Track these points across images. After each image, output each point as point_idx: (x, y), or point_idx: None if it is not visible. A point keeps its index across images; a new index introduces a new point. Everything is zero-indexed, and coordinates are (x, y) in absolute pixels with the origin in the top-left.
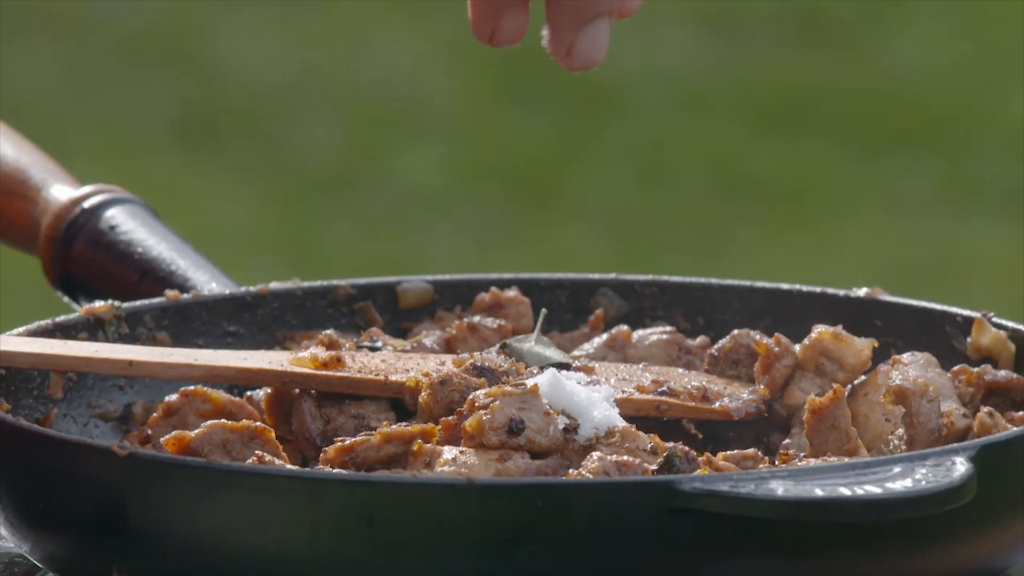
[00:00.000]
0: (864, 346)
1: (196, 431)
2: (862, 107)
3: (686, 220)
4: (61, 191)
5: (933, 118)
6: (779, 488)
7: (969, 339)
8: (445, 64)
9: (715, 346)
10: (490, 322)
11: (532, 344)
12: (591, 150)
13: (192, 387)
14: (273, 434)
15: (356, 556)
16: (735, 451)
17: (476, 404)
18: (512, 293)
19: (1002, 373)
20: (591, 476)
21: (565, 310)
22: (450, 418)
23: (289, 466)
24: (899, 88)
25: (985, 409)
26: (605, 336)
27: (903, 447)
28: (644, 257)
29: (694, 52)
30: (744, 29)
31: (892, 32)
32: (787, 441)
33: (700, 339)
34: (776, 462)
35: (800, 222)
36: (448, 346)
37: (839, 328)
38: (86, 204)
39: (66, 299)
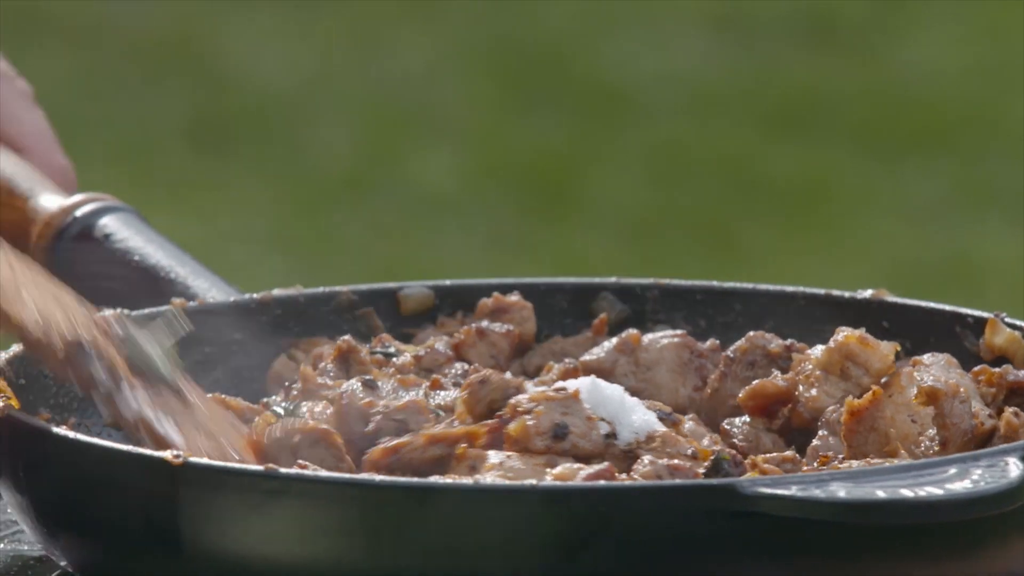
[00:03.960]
0: (889, 350)
1: (268, 436)
2: (875, 111)
3: (699, 223)
4: (50, 200)
5: (946, 122)
6: (840, 490)
7: (982, 339)
8: (458, 67)
9: (730, 348)
10: (498, 327)
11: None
12: (604, 153)
13: (211, 394)
14: (339, 437)
15: (415, 564)
16: (774, 454)
17: (519, 409)
18: (515, 298)
19: (1023, 373)
20: (644, 480)
21: (566, 314)
22: (491, 421)
23: (344, 474)
24: (912, 92)
25: (1011, 409)
26: (615, 340)
27: (935, 448)
28: (657, 260)
29: (707, 56)
30: (757, 33)
31: (905, 36)
32: (816, 443)
33: (710, 342)
34: (815, 464)
35: (814, 225)
36: (457, 351)
37: (863, 331)
38: (78, 213)
39: None
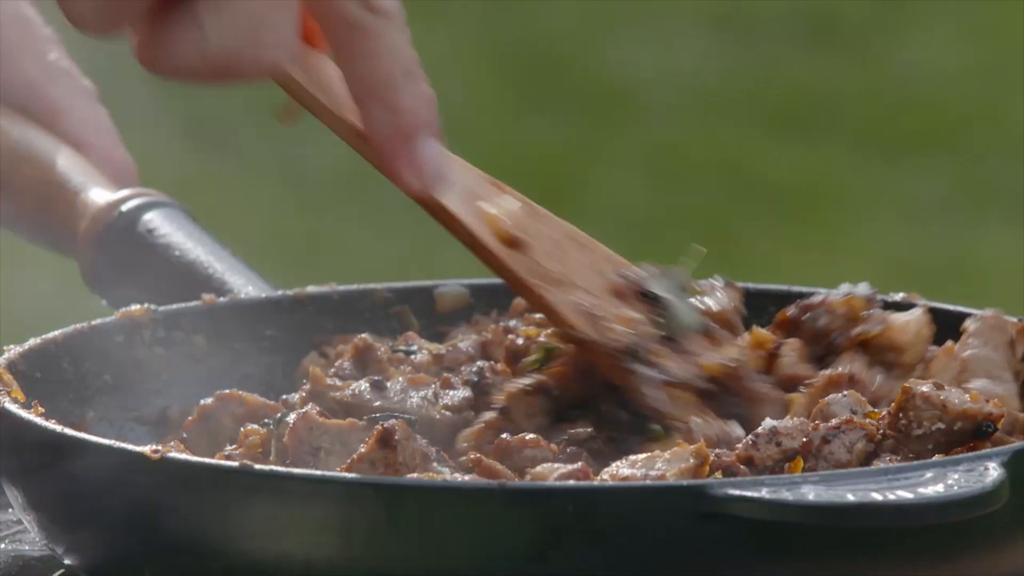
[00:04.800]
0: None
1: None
2: (876, 110)
3: (700, 223)
4: (99, 194)
5: (947, 121)
6: (811, 493)
7: None
8: (458, 68)
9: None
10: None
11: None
12: (605, 153)
13: (227, 391)
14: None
15: (387, 562)
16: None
17: None
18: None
19: None
20: (613, 481)
21: None
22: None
23: (316, 471)
24: (913, 91)
25: None
26: None
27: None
28: (658, 259)
29: (707, 56)
30: (758, 33)
31: (906, 35)
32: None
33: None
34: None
35: (814, 225)
36: (484, 350)
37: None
38: (124, 207)
39: (104, 302)
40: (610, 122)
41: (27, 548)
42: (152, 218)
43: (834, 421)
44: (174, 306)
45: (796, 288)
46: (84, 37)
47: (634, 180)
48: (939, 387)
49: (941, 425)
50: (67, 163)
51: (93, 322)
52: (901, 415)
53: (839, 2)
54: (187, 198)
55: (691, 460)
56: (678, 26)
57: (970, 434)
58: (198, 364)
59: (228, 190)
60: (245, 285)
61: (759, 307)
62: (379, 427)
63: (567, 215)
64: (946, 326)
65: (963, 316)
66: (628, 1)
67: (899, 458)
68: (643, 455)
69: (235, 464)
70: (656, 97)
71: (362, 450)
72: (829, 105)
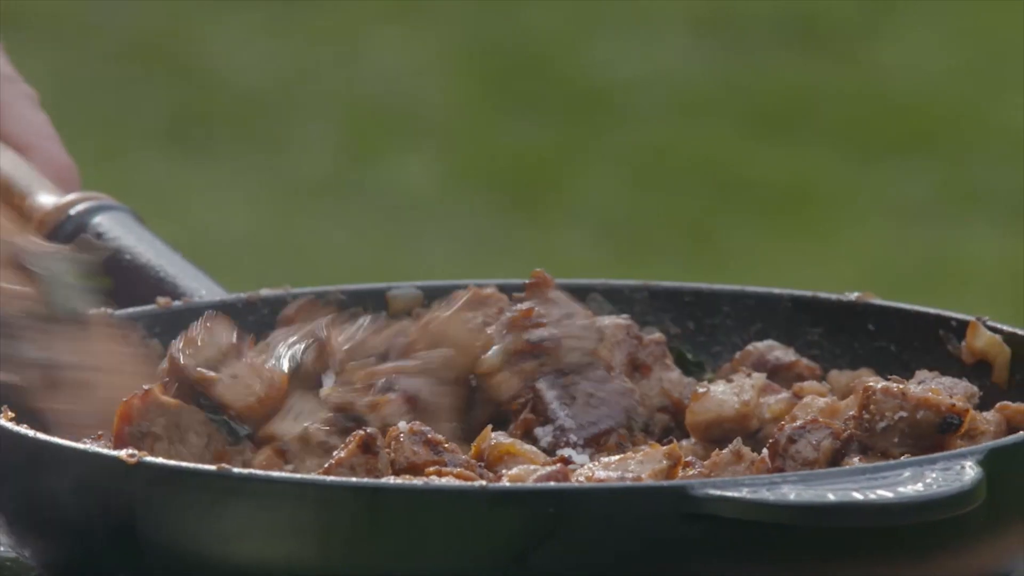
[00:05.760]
0: None
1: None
2: (860, 112)
3: (683, 225)
4: (47, 198)
5: (931, 123)
6: (791, 493)
7: (963, 343)
8: (440, 68)
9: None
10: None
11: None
12: (587, 155)
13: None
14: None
15: (368, 565)
16: None
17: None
18: (490, 290)
19: None
20: (592, 483)
21: None
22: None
23: (296, 474)
24: (897, 93)
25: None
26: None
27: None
28: (641, 262)
29: (690, 57)
30: (741, 33)
31: (890, 37)
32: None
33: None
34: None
35: (798, 227)
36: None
37: None
38: (72, 211)
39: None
40: (593, 123)
41: (1, 549)
42: (101, 221)
43: (799, 421)
44: (129, 310)
45: (803, 292)
46: (28, 44)
47: (617, 181)
48: (898, 381)
49: (903, 413)
50: (12, 167)
51: None
52: (864, 412)
53: (823, 3)
54: (167, 202)
55: (664, 462)
56: (661, 27)
57: (935, 427)
58: (154, 367)
59: (208, 194)
60: (198, 288)
61: (767, 310)
62: (361, 432)
63: (550, 216)
64: (924, 328)
65: (945, 319)
66: (611, 2)
67: (866, 457)
68: (616, 456)
69: (213, 468)
70: (639, 98)
71: (342, 455)
72: (813, 106)
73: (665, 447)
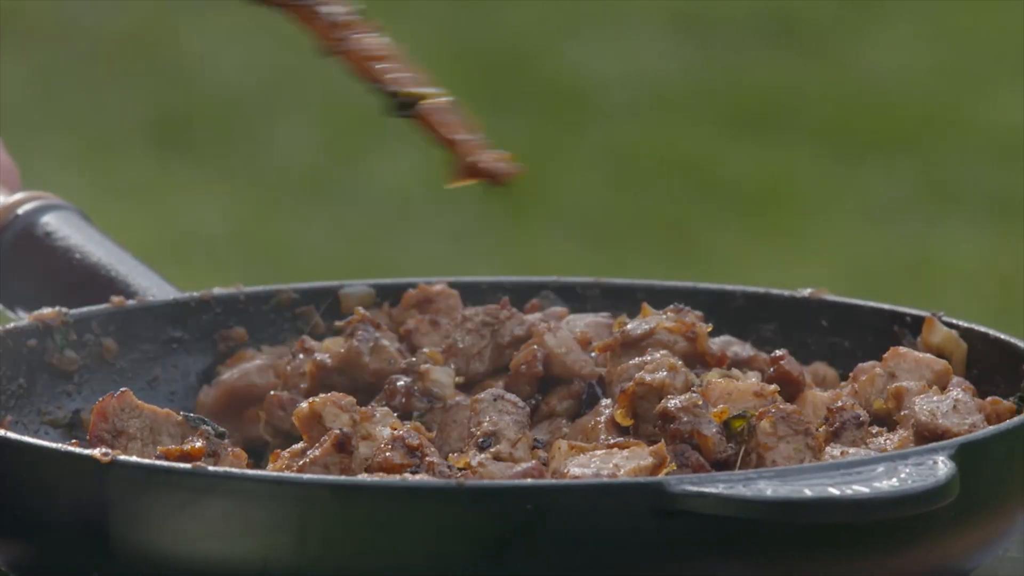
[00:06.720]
0: None
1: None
2: (837, 110)
3: (661, 224)
4: None
5: (909, 122)
6: (767, 488)
7: (919, 338)
8: (421, 67)
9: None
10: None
11: None
12: (566, 155)
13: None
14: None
15: (344, 562)
16: None
17: None
18: (439, 287)
19: None
20: (569, 480)
21: None
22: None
23: (271, 472)
24: (874, 91)
25: None
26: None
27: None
28: (619, 261)
29: (668, 56)
30: (718, 32)
31: (867, 35)
32: None
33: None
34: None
35: (775, 225)
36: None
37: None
38: (20, 211)
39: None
40: (570, 122)
41: None
42: (50, 220)
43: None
44: (84, 309)
45: (756, 288)
46: (10, 45)
47: (595, 180)
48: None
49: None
50: None
51: (6, 326)
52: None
53: (801, 2)
54: (150, 202)
55: (649, 459)
56: (639, 26)
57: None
58: (108, 367)
59: (191, 193)
60: (149, 287)
61: (721, 307)
62: (337, 432)
63: (528, 216)
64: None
65: (900, 315)
66: (589, 1)
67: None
68: (600, 451)
69: (189, 466)
70: (617, 97)
71: (316, 453)
72: (791, 105)
73: (652, 446)
